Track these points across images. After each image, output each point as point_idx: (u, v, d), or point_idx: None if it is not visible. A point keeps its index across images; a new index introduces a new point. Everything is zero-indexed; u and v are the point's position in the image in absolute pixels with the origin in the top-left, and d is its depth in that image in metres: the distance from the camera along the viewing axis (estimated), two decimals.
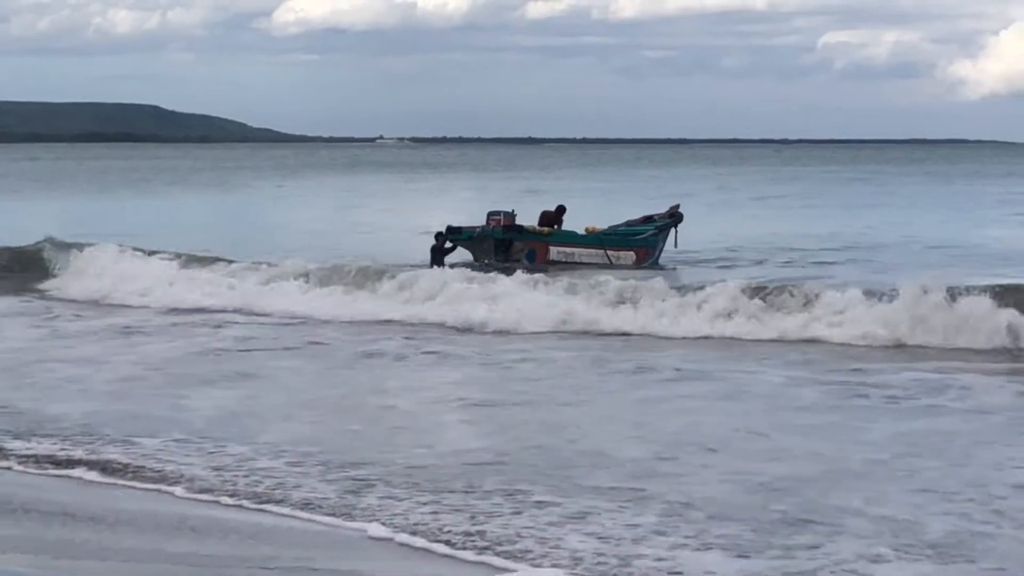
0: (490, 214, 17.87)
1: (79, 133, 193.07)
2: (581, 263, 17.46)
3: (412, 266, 16.46)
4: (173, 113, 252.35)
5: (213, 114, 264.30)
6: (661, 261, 18.42)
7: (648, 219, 18.94)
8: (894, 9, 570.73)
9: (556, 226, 18.08)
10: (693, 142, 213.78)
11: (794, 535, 4.97)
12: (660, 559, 4.67)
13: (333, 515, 5.39)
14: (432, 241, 17.40)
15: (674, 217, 18.51)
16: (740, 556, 4.74)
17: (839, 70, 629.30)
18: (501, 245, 17.33)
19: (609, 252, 17.74)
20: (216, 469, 6.28)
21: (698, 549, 4.80)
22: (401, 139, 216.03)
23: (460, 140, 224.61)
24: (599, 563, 4.61)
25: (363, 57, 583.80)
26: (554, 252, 17.54)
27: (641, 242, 18.24)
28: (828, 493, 5.70)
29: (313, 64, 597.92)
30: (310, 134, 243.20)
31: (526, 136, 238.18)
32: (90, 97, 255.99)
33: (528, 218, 18.22)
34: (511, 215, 17.67)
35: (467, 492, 5.70)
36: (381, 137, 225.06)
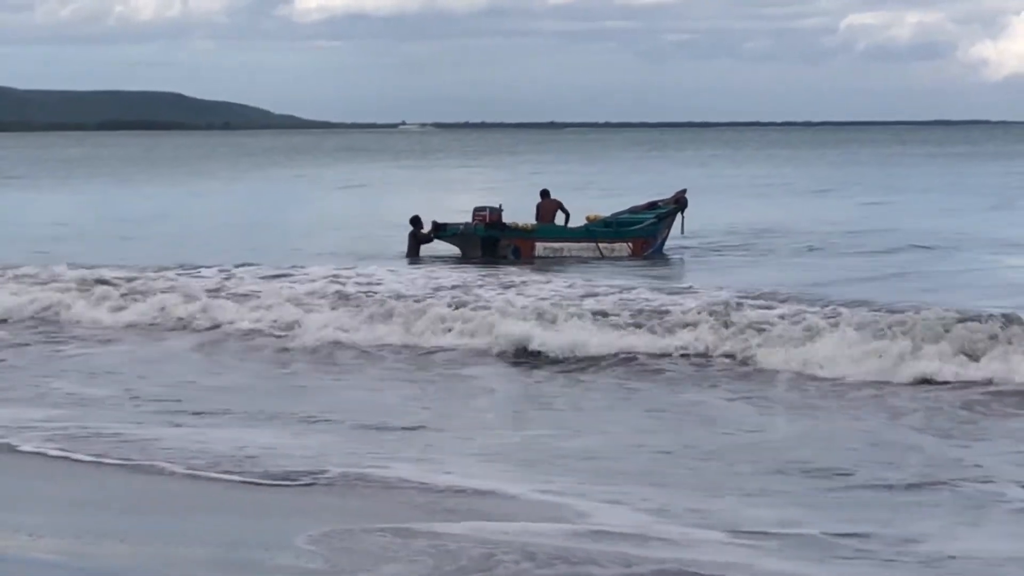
0: (476, 210, 17.39)
1: (102, 121, 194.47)
2: (571, 256, 17.10)
3: (389, 258, 16.40)
4: (196, 100, 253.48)
5: (235, 101, 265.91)
6: (667, 249, 18.00)
7: (653, 205, 18.29)
8: None
9: (563, 212, 17.65)
10: (716, 125, 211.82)
11: None
12: None
13: None
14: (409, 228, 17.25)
15: (679, 203, 17.81)
16: None
17: (861, 52, 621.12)
18: (487, 242, 16.95)
19: (601, 245, 17.22)
20: None
21: None
22: (424, 124, 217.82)
23: (483, 125, 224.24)
24: None
25: (386, 43, 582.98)
26: (540, 248, 17.08)
27: (637, 232, 17.64)
28: None
29: (335, 50, 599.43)
30: (333, 120, 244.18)
31: (548, 121, 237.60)
32: (112, 85, 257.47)
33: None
34: (497, 211, 17.17)
35: None
36: (404, 123, 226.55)
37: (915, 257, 17.21)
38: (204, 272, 14.12)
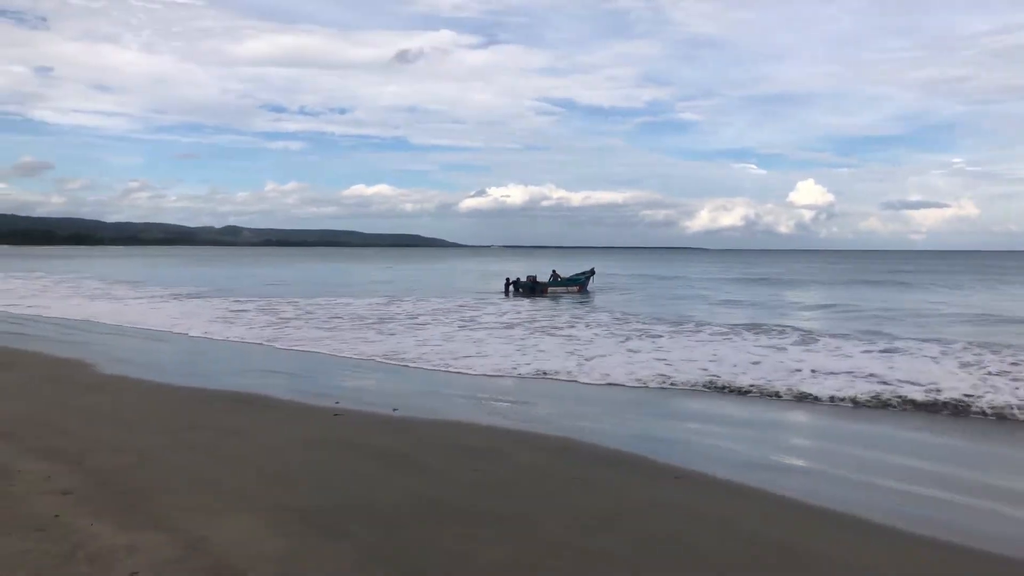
0: (527, 276, 45.76)
1: None
2: (559, 294, 45.20)
3: (490, 292, 45.14)
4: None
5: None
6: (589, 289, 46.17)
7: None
8: None
9: (557, 278, 46.12)
10: None
11: None
12: None
13: None
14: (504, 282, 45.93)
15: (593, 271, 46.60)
16: None
17: None
18: (531, 289, 45.26)
19: (569, 288, 45.48)
20: None
21: None
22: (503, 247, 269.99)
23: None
24: None
25: None
26: (549, 291, 45.32)
27: (581, 281, 46.18)
28: None
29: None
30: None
31: None
32: None
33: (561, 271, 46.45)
34: (534, 277, 45.50)
35: None
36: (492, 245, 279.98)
37: None
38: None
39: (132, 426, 10.53)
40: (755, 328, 24.38)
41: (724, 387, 14.27)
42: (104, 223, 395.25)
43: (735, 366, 16.32)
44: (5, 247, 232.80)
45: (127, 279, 57.49)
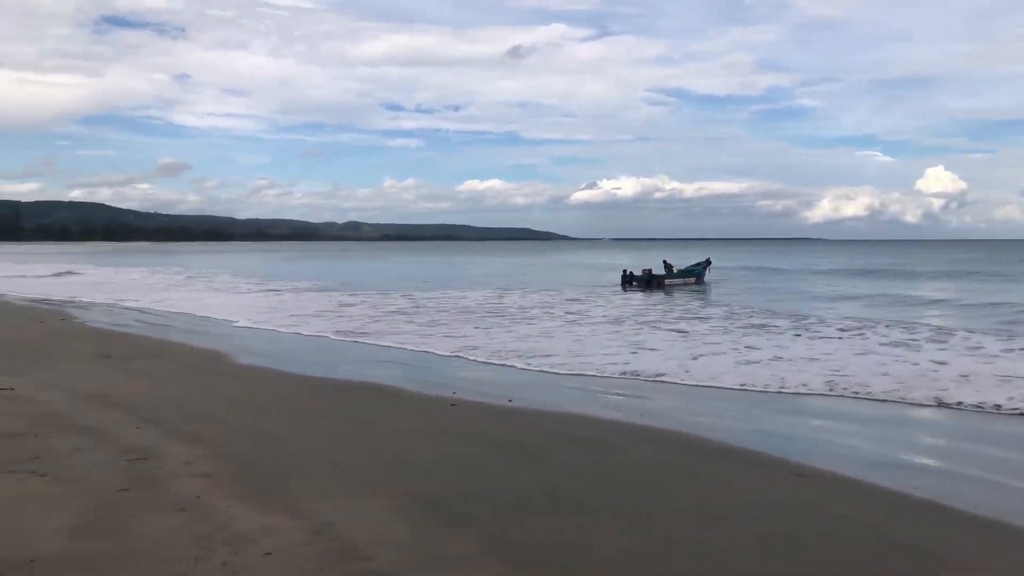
0: (643, 269, 45.28)
1: None
2: (675, 285, 44.48)
3: (602, 285, 44.86)
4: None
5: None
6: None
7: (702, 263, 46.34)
8: None
9: (668, 271, 45.46)
10: None
11: None
12: None
13: None
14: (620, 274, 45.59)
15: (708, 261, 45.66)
16: None
17: None
18: (648, 282, 44.70)
19: (686, 280, 44.79)
20: None
21: None
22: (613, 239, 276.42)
23: None
24: None
25: None
26: (666, 283, 44.64)
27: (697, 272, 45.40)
28: None
29: None
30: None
31: None
32: None
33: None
34: (649, 270, 44.96)
35: None
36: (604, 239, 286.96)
37: None
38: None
39: (267, 413, 11.09)
40: (882, 324, 23.41)
41: (852, 393, 12.96)
42: (235, 220, 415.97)
43: (862, 368, 15.35)
44: (147, 243, 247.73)
45: (257, 274, 60.22)
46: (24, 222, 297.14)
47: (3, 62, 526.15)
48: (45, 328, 22.44)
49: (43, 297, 35.12)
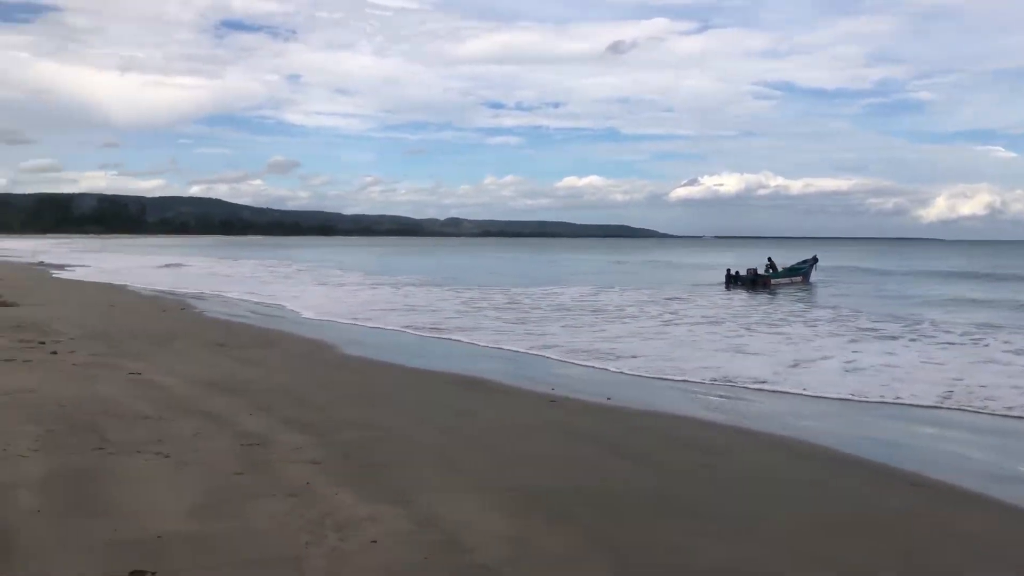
0: (748, 269, 44.23)
1: None
2: (781, 285, 43.28)
3: (704, 284, 44.04)
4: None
5: None
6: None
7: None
8: None
9: (773, 269, 44.31)
10: None
11: None
12: None
13: None
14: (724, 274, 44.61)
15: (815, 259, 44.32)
16: None
17: None
18: (752, 282, 43.66)
19: (792, 279, 43.57)
20: None
21: None
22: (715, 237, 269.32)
23: None
24: None
25: None
26: (771, 283, 43.50)
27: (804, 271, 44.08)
28: None
29: None
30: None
31: None
32: None
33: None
34: (754, 270, 43.89)
35: None
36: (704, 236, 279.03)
37: None
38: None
39: (372, 403, 11.38)
40: (1004, 330, 22.19)
41: (978, 408, 12.01)
42: (343, 215, 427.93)
43: (984, 377, 14.48)
44: (260, 237, 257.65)
45: (362, 269, 61.73)
46: (148, 216, 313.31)
47: (134, 66, 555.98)
48: (167, 316, 23.65)
49: (168, 289, 36.91)
